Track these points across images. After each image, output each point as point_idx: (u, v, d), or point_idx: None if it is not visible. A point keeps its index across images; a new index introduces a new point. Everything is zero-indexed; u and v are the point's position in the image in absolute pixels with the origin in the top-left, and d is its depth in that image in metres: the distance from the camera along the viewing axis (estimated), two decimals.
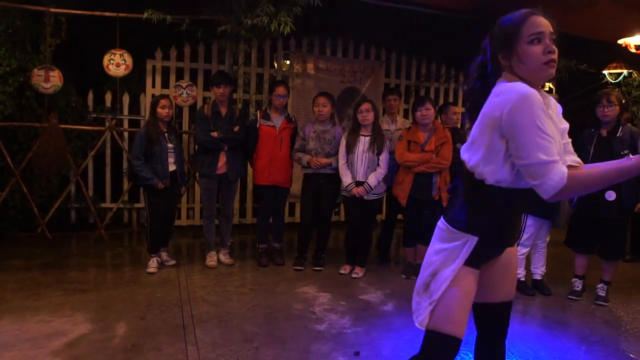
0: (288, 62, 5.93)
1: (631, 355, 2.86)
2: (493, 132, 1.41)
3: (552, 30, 1.44)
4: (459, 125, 5.08)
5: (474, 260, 1.55)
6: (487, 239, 1.53)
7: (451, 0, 5.43)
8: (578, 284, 3.83)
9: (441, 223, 1.62)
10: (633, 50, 5.75)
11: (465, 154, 1.54)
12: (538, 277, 3.95)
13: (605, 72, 6.80)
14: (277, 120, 4.28)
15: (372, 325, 3.13)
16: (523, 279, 3.91)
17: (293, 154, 4.25)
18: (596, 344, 3.00)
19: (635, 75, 6.58)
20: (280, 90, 4.26)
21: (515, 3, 5.16)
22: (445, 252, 1.57)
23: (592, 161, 3.57)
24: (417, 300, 1.63)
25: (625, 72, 6.65)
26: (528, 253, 3.92)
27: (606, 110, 3.54)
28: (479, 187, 1.50)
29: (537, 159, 1.33)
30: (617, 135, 3.53)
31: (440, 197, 3.96)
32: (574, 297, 3.77)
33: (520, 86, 1.36)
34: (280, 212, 4.52)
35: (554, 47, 1.42)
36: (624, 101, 3.71)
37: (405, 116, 5.92)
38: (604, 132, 3.59)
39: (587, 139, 3.67)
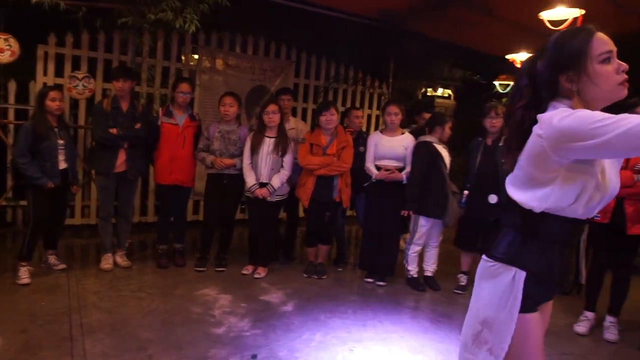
0: (196, 56, 5.78)
1: None
2: (546, 158, 1.27)
3: (615, 47, 1.33)
4: (363, 129, 5.30)
5: (529, 303, 1.35)
6: (535, 275, 1.35)
7: (353, 5, 5.63)
8: (463, 279, 4.18)
9: (483, 261, 1.47)
10: (519, 66, 6.35)
11: (519, 195, 1.37)
12: (429, 274, 4.25)
13: (496, 82, 7.44)
14: (180, 118, 4.17)
15: (271, 326, 3.18)
16: (415, 276, 4.19)
17: (197, 153, 4.17)
18: None
19: None
20: (184, 87, 4.15)
21: (415, 14, 5.42)
22: (489, 291, 1.40)
23: (479, 169, 3.92)
24: (466, 356, 1.45)
25: (512, 83, 7.32)
26: (421, 251, 4.20)
27: (494, 121, 3.88)
28: (528, 216, 1.36)
29: (624, 118, 1.13)
30: (500, 144, 3.89)
31: (341, 199, 4.12)
32: (459, 292, 4.11)
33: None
34: (182, 212, 4.42)
35: (626, 65, 1.31)
36: None
37: (305, 117, 6.04)
38: (489, 141, 3.95)
39: (474, 147, 4.01)
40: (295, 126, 4.64)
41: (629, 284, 3.35)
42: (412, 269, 4.17)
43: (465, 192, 3.94)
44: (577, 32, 1.33)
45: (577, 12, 4.79)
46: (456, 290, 4.13)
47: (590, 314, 3.47)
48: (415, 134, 4.28)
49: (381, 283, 4.16)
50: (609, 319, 3.38)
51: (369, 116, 7.09)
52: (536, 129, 1.29)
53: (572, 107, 1.29)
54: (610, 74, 1.29)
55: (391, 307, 3.69)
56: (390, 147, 4.09)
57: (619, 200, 3.22)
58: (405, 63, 6.33)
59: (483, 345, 1.40)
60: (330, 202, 4.11)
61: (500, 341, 1.36)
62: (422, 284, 4.18)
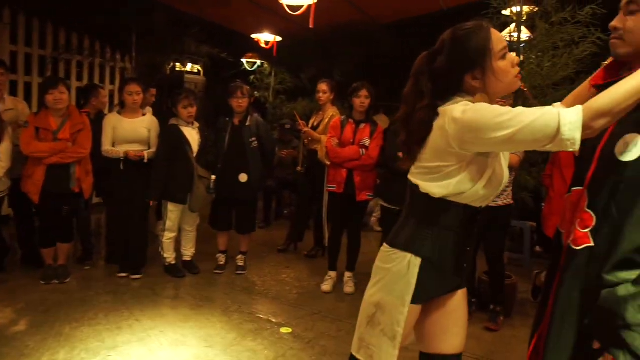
0: None
1: (260, 316, 3.34)
2: (450, 151, 1.31)
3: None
4: (106, 111, 4.74)
5: (422, 293, 1.40)
6: (430, 261, 1.39)
7: None
8: (222, 259, 4.23)
9: (382, 248, 1.48)
10: (263, 45, 6.63)
11: (422, 184, 1.39)
12: (188, 259, 4.14)
13: (244, 60, 7.63)
14: None
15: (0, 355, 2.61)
16: (173, 262, 4.04)
17: None
18: (235, 313, 3.36)
19: (267, 65, 7.62)
20: None
21: None
22: (384, 275, 1.44)
23: (228, 149, 3.95)
24: (361, 336, 1.49)
25: (258, 62, 7.63)
26: (177, 236, 4.05)
27: (240, 101, 3.93)
28: (426, 203, 1.39)
29: (529, 111, 1.17)
30: (247, 124, 3.99)
31: (81, 190, 3.62)
32: (219, 271, 4.14)
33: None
34: None
35: (518, 58, 1.38)
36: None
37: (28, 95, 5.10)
38: (236, 121, 4.00)
39: (222, 126, 4.01)
40: (15, 106, 3.84)
41: (360, 241, 3.91)
42: (169, 255, 4.00)
43: (213, 177, 3.91)
44: (477, 30, 1.33)
45: (311, 0, 5.22)
46: (216, 271, 4.15)
47: (332, 273, 3.94)
48: (161, 115, 4.04)
49: (136, 276, 3.86)
50: (347, 275, 3.91)
51: (111, 94, 6.40)
52: (440, 124, 1.31)
53: (473, 102, 1.33)
54: (509, 68, 1.34)
55: (149, 302, 3.47)
56: (132, 130, 3.76)
57: (349, 171, 3.69)
58: (150, 36, 5.89)
59: (377, 326, 1.43)
60: (68, 194, 3.56)
61: (391, 323, 1.40)
62: (180, 269, 4.06)
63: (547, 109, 1.16)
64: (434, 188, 1.36)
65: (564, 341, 1.24)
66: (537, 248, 5.08)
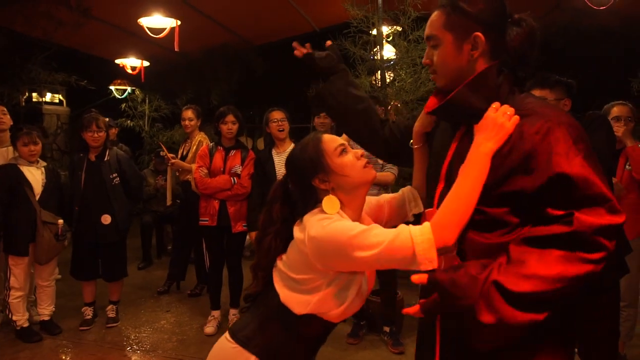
0: None
1: None
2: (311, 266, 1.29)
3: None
4: None
5: None
6: None
7: None
8: (88, 312, 3.72)
9: (225, 337, 1.41)
10: (129, 71, 6.18)
11: (284, 294, 1.34)
12: (46, 318, 3.57)
13: (112, 87, 7.08)
14: None
15: None
16: (26, 325, 3.45)
17: None
18: None
19: (138, 92, 7.15)
20: None
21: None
22: None
23: (84, 188, 3.51)
24: None
25: (129, 88, 7.12)
26: (27, 293, 3.49)
27: (95, 135, 3.51)
28: (284, 312, 1.33)
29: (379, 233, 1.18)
30: (105, 159, 3.58)
31: None
32: (84, 327, 3.62)
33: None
34: None
35: (362, 151, 1.41)
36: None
37: None
38: (92, 157, 3.57)
39: (77, 164, 3.57)
40: None
41: (242, 275, 3.67)
42: (19, 317, 3.41)
43: (60, 221, 3.43)
44: (307, 142, 1.39)
45: (174, 22, 4.96)
46: (82, 327, 3.62)
47: (216, 312, 3.65)
48: None
49: None
50: (232, 312, 3.64)
51: None
52: (300, 237, 1.29)
53: (332, 207, 1.31)
54: (353, 161, 1.34)
55: None
56: None
57: (222, 202, 3.46)
58: None
59: None
60: None
61: None
62: (36, 332, 3.48)
63: (402, 228, 1.17)
64: (294, 304, 1.32)
65: None
66: None
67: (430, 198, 1.31)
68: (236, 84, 6.67)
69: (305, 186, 1.37)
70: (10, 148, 3.49)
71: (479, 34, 1.16)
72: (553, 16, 5.36)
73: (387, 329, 3.30)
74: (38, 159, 3.46)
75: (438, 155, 1.31)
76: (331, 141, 1.37)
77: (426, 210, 1.32)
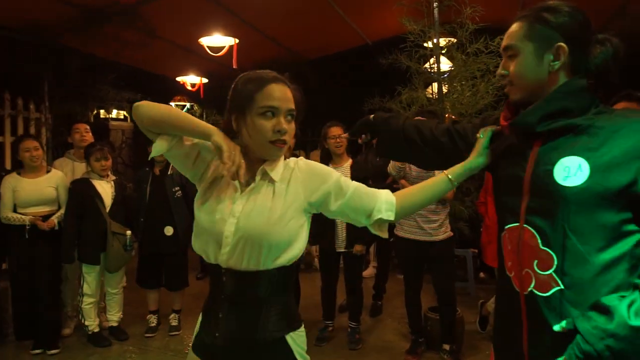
0: None
1: None
2: None
3: (291, 106, 1.26)
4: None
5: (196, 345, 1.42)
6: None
7: None
8: (153, 320, 3.88)
9: None
10: (189, 88, 6.45)
11: None
12: (114, 324, 3.77)
13: (172, 104, 7.39)
14: None
15: None
16: (96, 330, 3.65)
17: None
18: None
19: (197, 107, 7.44)
20: None
21: (70, 29, 4.69)
22: None
23: (150, 200, 3.68)
24: None
25: (188, 104, 7.42)
26: (97, 300, 3.69)
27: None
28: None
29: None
30: (168, 173, 3.74)
31: None
32: (150, 334, 3.79)
33: None
34: None
35: (286, 127, 1.24)
36: None
37: None
38: (157, 171, 3.75)
39: (143, 177, 3.75)
40: None
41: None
42: (91, 323, 3.61)
43: (129, 232, 3.59)
44: (251, 78, 1.27)
45: (232, 41, 5.14)
46: (147, 334, 3.79)
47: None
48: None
49: (53, 351, 3.44)
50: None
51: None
52: None
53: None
54: (266, 129, 1.23)
55: None
56: (36, 191, 3.42)
57: None
58: (64, 83, 5.54)
59: None
60: None
61: None
62: (105, 337, 3.67)
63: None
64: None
65: None
66: (481, 274, 5.08)
67: (513, 216, 1.20)
68: None
69: (227, 111, 1.33)
70: (84, 163, 3.73)
71: (562, 44, 1.13)
72: (617, 23, 5.11)
73: (446, 346, 3.23)
74: (109, 172, 3.67)
75: (509, 168, 1.24)
76: (268, 97, 1.23)
77: (507, 227, 1.22)
